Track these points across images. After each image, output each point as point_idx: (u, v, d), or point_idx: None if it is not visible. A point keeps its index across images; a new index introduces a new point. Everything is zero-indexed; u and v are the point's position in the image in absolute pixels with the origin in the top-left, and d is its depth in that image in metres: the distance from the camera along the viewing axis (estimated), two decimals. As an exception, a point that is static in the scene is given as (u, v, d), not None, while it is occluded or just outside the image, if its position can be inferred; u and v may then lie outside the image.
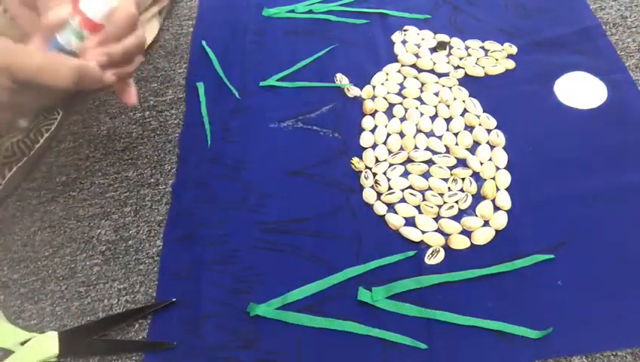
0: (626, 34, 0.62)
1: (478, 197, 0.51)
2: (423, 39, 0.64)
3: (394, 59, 0.63)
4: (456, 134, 0.55)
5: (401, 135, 0.56)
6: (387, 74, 0.61)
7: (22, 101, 0.39)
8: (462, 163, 0.53)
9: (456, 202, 0.50)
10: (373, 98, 0.59)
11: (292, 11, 0.69)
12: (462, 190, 0.51)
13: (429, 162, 0.53)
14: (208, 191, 0.53)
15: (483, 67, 0.60)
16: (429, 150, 0.54)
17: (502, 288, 0.45)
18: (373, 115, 0.58)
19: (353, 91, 0.60)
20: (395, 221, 0.50)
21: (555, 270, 0.46)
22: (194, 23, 0.69)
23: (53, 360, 0.43)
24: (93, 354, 0.44)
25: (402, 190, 0.52)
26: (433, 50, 0.63)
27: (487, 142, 0.55)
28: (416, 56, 0.63)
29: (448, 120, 0.57)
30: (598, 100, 0.56)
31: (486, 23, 0.65)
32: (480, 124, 0.56)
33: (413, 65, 0.62)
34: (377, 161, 0.54)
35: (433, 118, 0.57)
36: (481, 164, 0.53)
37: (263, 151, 0.56)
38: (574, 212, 0.49)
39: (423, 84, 0.60)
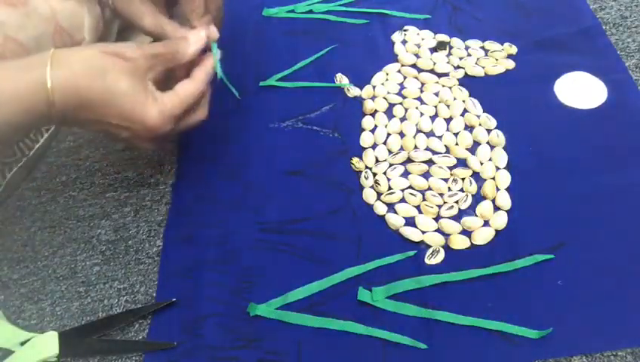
0: (626, 34, 0.62)
1: (478, 197, 0.51)
2: (423, 39, 0.64)
3: (394, 59, 0.63)
4: (456, 134, 0.55)
5: (401, 135, 0.56)
6: (387, 74, 0.61)
7: None
8: (462, 163, 0.53)
9: (456, 202, 0.50)
10: (373, 98, 0.59)
11: (292, 11, 0.69)
12: (462, 190, 0.51)
13: (429, 162, 0.53)
14: (208, 191, 0.53)
15: (483, 67, 0.60)
16: (429, 150, 0.54)
17: (502, 288, 0.45)
18: (373, 115, 0.58)
19: (353, 91, 0.60)
20: (395, 221, 0.50)
21: (555, 270, 0.46)
22: (194, 22, 0.69)
23: (53, 360, 0.43)
24: (93, 354, 0.44)
25: (402, 190, 0.52)
26: (433, 50, 0.63)
27: (487, 142, 0.54)
28: (417, 56, 0.63)
29: (448, 120, 0.57)
30: (598, 100, 0.56)
31: (486, 23, 0.65)
32: (480, 124, 0.56)
33: (413, 65, 0.62)
34: (377, 161, 0.54)
35: (433, 118, 0.57)
36: (481, 164, 0.53)
37: (263, 151, 0.56)
38: (574, 212, 0.49)
39: (423, 84, 0.60)
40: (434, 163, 0.53)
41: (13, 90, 0.40)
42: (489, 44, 0.63)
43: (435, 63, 0.61)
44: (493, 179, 0.52)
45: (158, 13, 0.49)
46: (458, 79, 0.60)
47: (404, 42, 0.64)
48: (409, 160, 0.54)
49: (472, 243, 0.48)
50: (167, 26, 0.49)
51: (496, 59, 0.61)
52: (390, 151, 0.55)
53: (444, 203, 0.50)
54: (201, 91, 0.47)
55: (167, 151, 0.51)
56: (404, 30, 0.65)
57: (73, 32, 0.52)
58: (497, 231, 0.48)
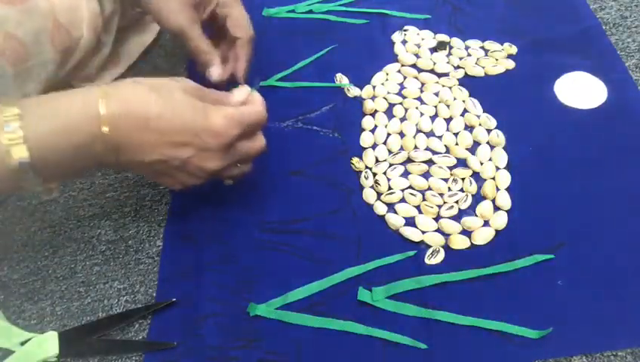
0: (626, 34, 0.62)
1: (478, 197, 0.51)
2: (423, 39, 0.64)
3: (394, 59, 0.63)
4: (456, 134, 0.55)
5: (401, 135, 0.56)
6: (387, 74, 0.61)
7: None
8: (462, 163, 0.53)
9: (456, 202, 0.50)
10: (373, 98, 0.59)
11: (292, 11, 0.69)
12: (462, 190, 0.51)
13: (429, 162, 0.53)
14: (208, 191, 0.53)
15: (483, 67, 0.60)
16: (429, 150, 0.54)
17: (502, 288, 0.45)
18: (373, 115, 0.58)
19: (353, 91, 0.60)
20: (395, 221, 0.50)
21: (555, 270, 0.46)
22: (194, 22, 0.69)
23: (53, 360, 0.43)
24: (93, 354, 0.44)
25: (402, 190, 0.52)
26: (433, 50, 0.63)
27: (487, 142, 0.54)
28: (417, 56, 0.63)
29: (448, 120, 0.57)
30: (598, 100, 0.56)
31: (486, 22, 0.65)
32: (480, 124, 0.56)
33: (413, 65, 0.62)
34: (377, 161, 0.54)
35: (433, 118, 0.57)
36: (481, 164, 0.53)
37: (263, 151, 0.56)
38: (574, 212, 0.49)
39: (423, 84, 0.60)
40: (434, 163, 0.53)
41: (66, 118, 0.38)
42: (489, 44, 0.63)
43: (435, 63, 0.61)
44: (493, 179, 0.52)
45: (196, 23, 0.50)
46: (458, 79, 0.60)
47: (404, 42, 0.64)
48: (409, 160, 0.54)
49: (472, 243, 0.48)
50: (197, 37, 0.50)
51: (496, 59, 0.61)
52: (390, 151, 0.55)
53: (444, 203, 0.50)
54: (262, 114, 0.46)
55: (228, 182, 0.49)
56: (404, 30, 0.65)
57: (71, 28, 0.51)
58: (497, 231, 0.48)
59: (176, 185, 0.45)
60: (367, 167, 0.54)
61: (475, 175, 0.52)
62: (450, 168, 0.53)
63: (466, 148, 0.54)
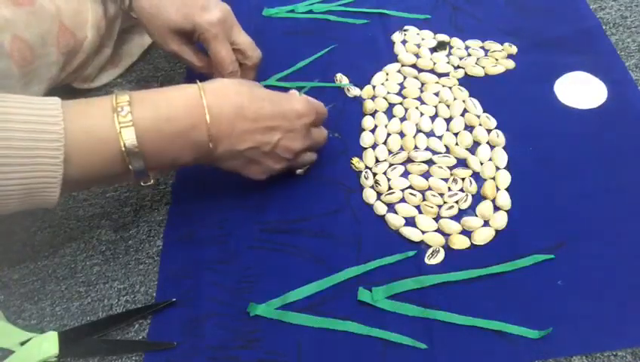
0: (625, 34, 0.62)
1: (478, 197, 0.51)
2: (423, 39, 0.64)
3: (394, 59, 0.63)
4: (456, 134, 0.55)
5: (401, 135, 0.56)
6: (387, 74, 0.61)
7: None
8: (462, 163, 0.53)
9: (456, 202, 0.50)
10: (373, 98, 0.59)
11: (292, 11, 0.69)
12: (462, 190, 0.51)
13: (429, 162, 0.53)
14: (208, 191, 0.53)
15: (483, 67, 0.60)
16: (429, 150, 0.54)
17: (502, 288, 0.45)
18: (373, 115, 0.58)
19: (353, 91, 0.60)
20: (395, 221, 0.50)
21: (555, 270, 0.46)
22: (194, 23, 0.69)
23: (53, 360, 0.43)
24: (93, 354, 0.44)
25: (402, 190, 0.52)
26: (433, 50, 0.63)
27: (487, 142, 0.54)
28: (417, 56, 0.63)
29: (448, 120, 0.57)
30: (598, 100, 0.56)
31: (486, 22, 0.65)
32: (480, 124, 0.56)
33: (413, 65, 0.62)
34: (377, 160, 0.54)
35: (433, 118, 0.57)
36: (481, 164, 0.53)
37: (263, 151, 0.56)
38: (574, 212, 0.49)
39: (423, 84, 0.60)
40: (434, 163, 0.53)
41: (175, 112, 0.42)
42: (489, 44, 0.63)
43: (435, 63, 0.61)
44: (493, 179, 0.52)
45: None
46: (458, 79, 0.60)
47: (404, 42, 0.64)
48: (409, 160, 0.54)
49: (472, 243, 0.48)
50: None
51: (496, 59, 0.61)
52: (390, 151, 0.55)
53: (444, 203, 0.50)
54: (324, 109, 0.51)
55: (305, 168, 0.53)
56: (404, 30, 0.65)
57: (76, 30, 0.52)
58: (497, 231, 0.48)
59: (262, 174, 0.49)
60: (367, 167, 0.54)
61: (475, 175, 0.52)
62: (450, 168, 0.53)
63: (466, 148, 0.54)
